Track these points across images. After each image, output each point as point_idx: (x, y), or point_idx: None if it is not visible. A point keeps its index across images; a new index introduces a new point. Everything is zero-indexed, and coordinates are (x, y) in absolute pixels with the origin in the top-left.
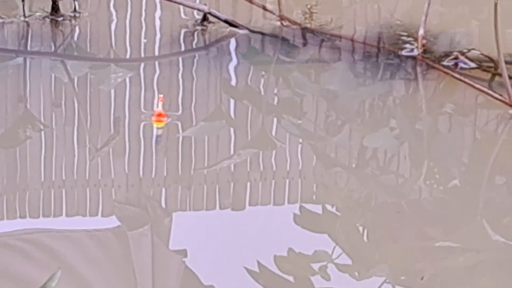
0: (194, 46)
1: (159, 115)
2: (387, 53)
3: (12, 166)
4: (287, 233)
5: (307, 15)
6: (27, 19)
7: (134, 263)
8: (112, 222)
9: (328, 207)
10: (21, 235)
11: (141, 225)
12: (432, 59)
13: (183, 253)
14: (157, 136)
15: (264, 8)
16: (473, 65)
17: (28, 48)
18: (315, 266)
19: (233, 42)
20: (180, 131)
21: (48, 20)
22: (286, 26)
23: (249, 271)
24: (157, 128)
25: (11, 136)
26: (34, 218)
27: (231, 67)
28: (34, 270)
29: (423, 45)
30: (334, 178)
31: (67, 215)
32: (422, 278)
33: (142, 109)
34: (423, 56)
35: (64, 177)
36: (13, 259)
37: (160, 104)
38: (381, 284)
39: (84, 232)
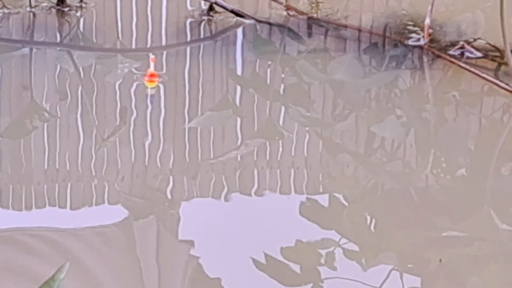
0: (200, 36)
1: (152, 75)
2: (393, 43)
3: (18, 156)
4: (294, 223)
5: (313, 5)
6: (33, 10)
7: (139, 255)
8: (118, 214)
9: (335, 197)
10: (27, 231)
11: (146, 215)
12: (438, 49)
13: (189, 243)
14: (151, 96)
15: None
16: (479, 54)
17: (34, 38)
18: (322, 255)
19: (239, 32)
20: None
21: (54, 10)
22: (293, 16)
23: (255, 261)
24: (150, 88)
25: (18, 126)
26: (40, 208)
27: (238, 57)
28: (40, 266)
29: (429, 35)
30: (341, 168)
31: (71, 208)
32: (440, 260)
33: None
34: (429, 45)
35: (68, 167)
36: (19, 254)
37: (152, 64)
38: (389, 273)
39: (90, 228)
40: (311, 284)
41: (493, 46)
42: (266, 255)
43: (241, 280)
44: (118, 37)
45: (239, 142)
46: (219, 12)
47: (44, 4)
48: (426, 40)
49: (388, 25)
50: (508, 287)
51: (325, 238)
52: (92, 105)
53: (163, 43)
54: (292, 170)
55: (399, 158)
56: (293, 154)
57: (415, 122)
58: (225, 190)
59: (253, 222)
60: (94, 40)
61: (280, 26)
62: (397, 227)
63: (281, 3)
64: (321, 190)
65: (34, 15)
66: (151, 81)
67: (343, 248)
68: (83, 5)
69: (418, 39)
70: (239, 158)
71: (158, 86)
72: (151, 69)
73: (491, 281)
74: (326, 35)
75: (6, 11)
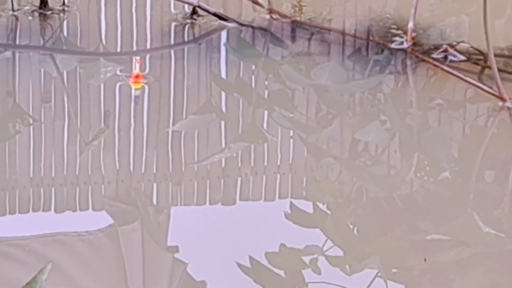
0: (184, 40)
1: (137, 76)
2: (377, 46)
3: (1, 161)
4: (278, 229)
5: (296, 8)
6: (15, 13)
7: (125, 261)
8: (103, 220)
9: (319, 203)
10: (12, 240)
11: (131, 221)
12: (422, 52)
13: (174, 249)
14: (135, 97)
15: (254, 1)
16: (462, 57)
17: (17, 42)
18: (306, 260)
19: (223, 35)
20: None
21: (36, 14)
22: (276, 19)
23: (241, 266)
24: (135, 89)
25: (0, 131)
26: (23, 214)
27: (221, 60)
28: (25, 275)
29: (412, 38)
30: (326, 172)
31: (56, 211)
32: (425, 260)
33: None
34: (412, 49)
35: (53, 173)
36: (3, 264)
37: (137, 65)
38: (373, 278)
39: (75, 234)
40: None
41: (477, 49)
42: (251, 259)
43: (226, 285)
44: (101, 41)
45: (222, 145)
46: (202, 16)
47: (27, 8)
48: (410, 43)
49: (371, 28)
50: None
51: (309, 243)
52: (76, 109)
53: (147, 46)
54: (278, 175)
55: (383, 162)
56: (278, 158)
57: (399, 126)
58: (210, 194)
59: (239, 227)
60: (77, 43)
61: (263, 29)
62: (381, 231)
63: (264, 7)
64: (305, 195)
65: (17, 18)
66: (136, 82)
67: (328, 253)
68: (66, 8)
69: (402, 43)
70: (223, 163)
71: (143, 88)
72: (136, 70)
73: (475, 284)
74: (309, 39)
75: None
